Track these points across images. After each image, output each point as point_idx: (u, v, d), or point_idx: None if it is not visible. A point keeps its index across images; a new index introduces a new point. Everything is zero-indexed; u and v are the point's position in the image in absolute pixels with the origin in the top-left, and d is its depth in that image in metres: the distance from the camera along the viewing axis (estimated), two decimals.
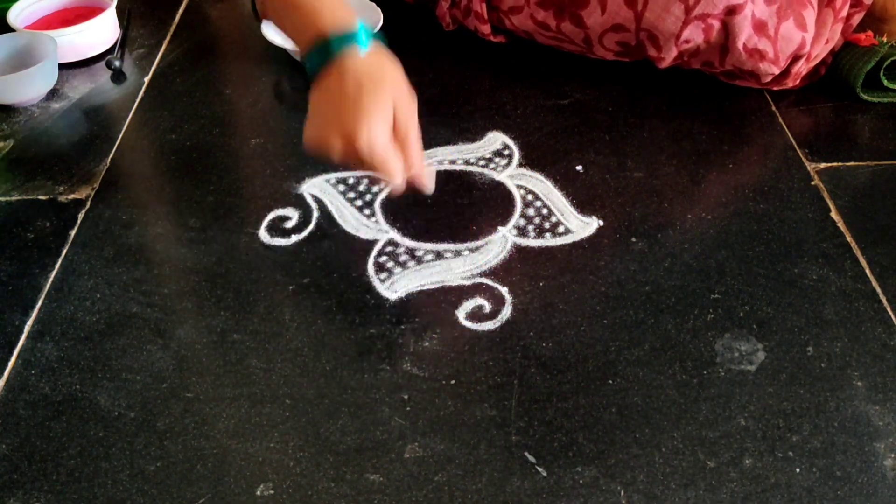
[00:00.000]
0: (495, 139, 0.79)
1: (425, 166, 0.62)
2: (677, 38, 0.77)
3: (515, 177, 0.74)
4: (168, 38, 0.98)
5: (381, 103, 0.58)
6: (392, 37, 0.93)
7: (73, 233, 0.70)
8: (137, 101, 0.87)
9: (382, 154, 0.58)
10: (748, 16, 0.74)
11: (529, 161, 0.76)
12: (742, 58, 0.77)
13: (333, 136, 0.58)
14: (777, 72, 0.78)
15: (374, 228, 0.69)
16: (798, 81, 0.83)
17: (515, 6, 0.85)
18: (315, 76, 0.61)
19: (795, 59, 0.78)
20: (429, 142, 0.78)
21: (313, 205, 0.72)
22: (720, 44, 0.77)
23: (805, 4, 0.76)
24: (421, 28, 0.94)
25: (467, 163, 0.76)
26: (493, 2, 0.87)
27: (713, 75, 0.85)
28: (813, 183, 0.73)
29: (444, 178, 0.75)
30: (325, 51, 0.60)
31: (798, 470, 0.52)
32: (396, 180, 0.59)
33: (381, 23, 0.90)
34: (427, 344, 0.60)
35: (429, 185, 0.63)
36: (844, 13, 0.79)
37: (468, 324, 0.61)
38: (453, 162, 0.76)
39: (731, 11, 0.74)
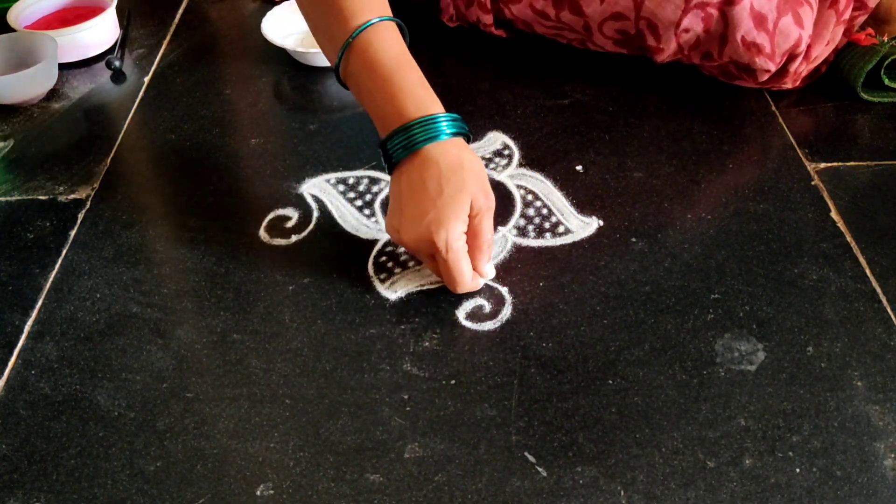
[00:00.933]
0: (495, 139, 0.79)
1: (492, 265, 0.64)
2: (677, 26, 0.77)
3: (515, 177, 0.74)
4: (168, 38, 0.98)
5: (461, 202, 0.58)
6: None
7: (73, 233, 0.70)
8: (137, 101, 0.87)
9: (456, 257, 0.59)
10: (747, 7, 0.74)
11: (529, 161, 0.76)
12: (739, 50, 0.77)
13: (412, 232, 0.59)
14: (773, 68, 0.78)
15: (374, 228, 0.69)
16: (799, 82, 0.83)
17: None
18: (397, 163, 0.61)
19: (792, 57, 0.78)
20: None
21: (313, 205, 0.72)
22: (719, 33, 0.77)
23: (801, 3, 0.76)
24: (421, 28, 0.94)
25: None
26: None
27: (712, 76, 0.85)
28: (813, 183, 0.73)
29: None
30: (407, 140, 0.59)
31: (798, 470, 0.52)
32: (462, 287, 0.61)
33: None
34: (427, 344, 0.60)
35: (488, 279, 0.63)
36: (847, 15, 0.79)
37: (468, 324, 0.61)
38: None
39: (730, 2, 0.74)
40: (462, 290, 0.61)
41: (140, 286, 0.65)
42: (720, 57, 0.79)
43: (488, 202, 0.60)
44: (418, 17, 0.96)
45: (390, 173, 0.63)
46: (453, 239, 0.58)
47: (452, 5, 0.91)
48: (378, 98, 0.62)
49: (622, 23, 0.81)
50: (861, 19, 0.81)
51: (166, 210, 0.72)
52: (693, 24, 0.77)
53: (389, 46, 0.63)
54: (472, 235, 0.60)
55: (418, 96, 0.61)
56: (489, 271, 0.63)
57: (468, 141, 0.63)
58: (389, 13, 0.65)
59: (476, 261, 0.61)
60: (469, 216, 0.59)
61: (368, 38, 0.62)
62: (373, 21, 0.63)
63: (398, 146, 0.60)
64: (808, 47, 0.78)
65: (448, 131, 0.60)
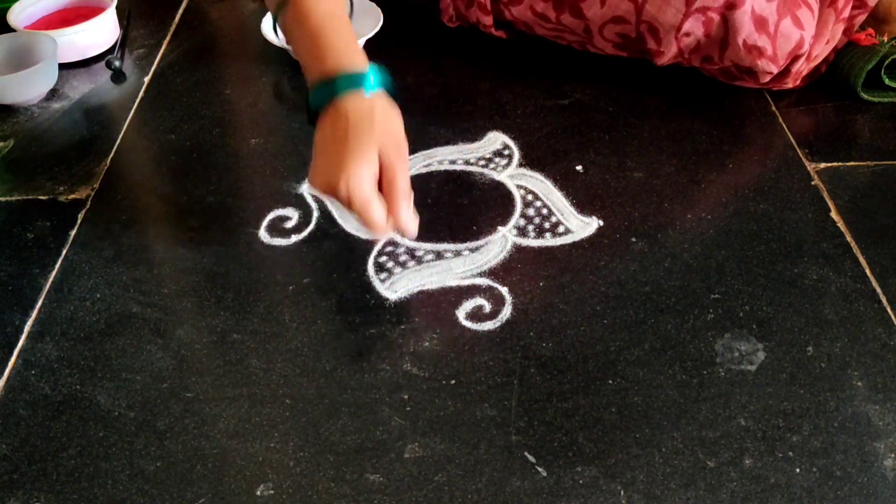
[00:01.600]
0: (495, 139, 0.79)
1: (410, 214, 0.60)
2: (678, 30, 0.77)
3: (515, 177, 0.74)
4: (168, 38, 0.98)
5: (363, 150, 0.57)
6: (392, 37, 0.93)
7: (73, 233, 0.70)
8: (137, 101, 0.87)
9: (362, 203, 0.57)
10: (748, 11, 0.74)
11: (529, 161, 0.76)
12: (741, 53, 0.77)
13: (320, 181, 0.59)
14: (775, 70, 0.78)
15: None
16: (799, 81, 0.83)
17: None
18: (317, 114, 0.61)
19: (795, 58, 0.78)
20: (429, 142, 0.79)
21: (313, 205, 0.72)
22: (720, 37, 0.77)
23: (799, 5, 0.76)
24: (421, 28, 0.94)
25: (467, 163, 0.76)
26: None
27: (713, 76, 0.85)
28: (813, 183, 0.73)
29: (444, 178, 0.75)
30: (329, 90, 0.60)
31: (798, 470, 0.52)
32: (377, 230, 0.59)
33: (381, 23, 0.90)
34: (427, 344, 0.60)
35: (412, 232, 0.61)
36: (846, 14, 0.79)
37: (468, 324, 0.61)
38: (453, 162, 0.76)
39: (731, 6, 0.74)
40: (379, 234, 0.61)
41: (140, 286, 0.65)
42: (721, 60, 0.79)
43: (399, 152, 0.59)
44: (418, 18, 0.96)
45: (312, 125, 0.62)
46: (354, 186, 0.57)
47: (452, 6, 0.91)
48: (307, 53, 0.63)
49: (623, 26, 0.81)
50: (861, 18, 0.81)
51: (166, 210, 0.72)
52: (694, 28, 0.77)
53: (322, 3, 0.64)
54: (386, 186, 0.59)
55: (343, 52, 0.61)
56: (409, 223, 0.60)
57: (395, 98, 0.63)
58: None
59: (392, 210, 0.59)
60: (381, 166, 0.58)
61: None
62: None
63: (319, 97, 0.60)
64: (810, 46, 0.78)
65: (373, 84, 0.60)
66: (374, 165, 0.58)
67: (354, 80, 0.60)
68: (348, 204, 0.58)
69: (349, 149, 0.57)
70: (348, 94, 0.59)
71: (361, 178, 0.57)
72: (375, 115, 0.59)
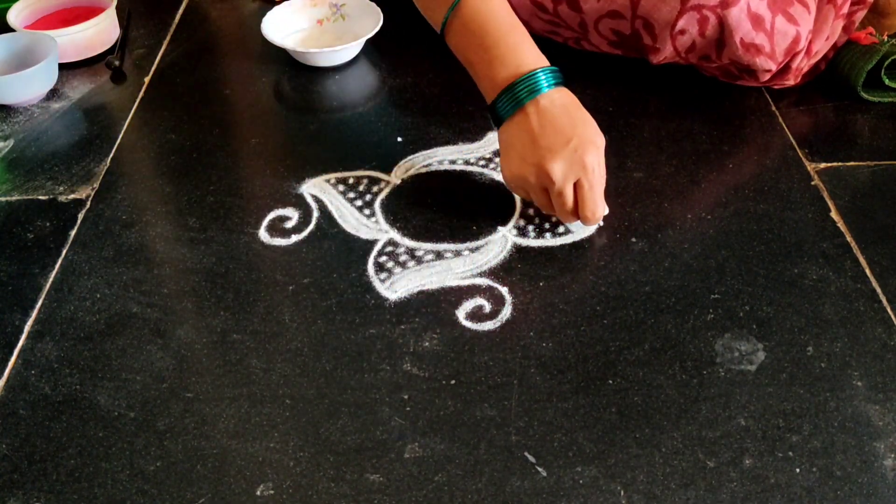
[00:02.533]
0: (495, 139, 0.79)
1: (603, 210, 0.66)
2: (672, 27, 0.77)
3: None
4: (168, 38, 0.98)
5: (596, 129, 0.64)
6: (392, 37, 0.93)
7: (73, 233, 0.70)
8: (137, 101, 0.87)
9: (602, 179, 0.64)
10: (744, 8, 0.74)
11: None
12: (739, 52, 0.77)
13: (550, 163, 0.62)
14: (774, 67, 0.78)
15: (374, 228, 0.69)
16: (800, 79, 0.83)
17: None
18: (505, 119, 0.65)
19: (794, 55, 0.78)
20: (429, 142, 0.79)
21: (313, 205, 0.72)
22: (716, 38, 0.77)
23: (791, 2, 0.76)
24: (421, 28, 0.94)
25: (467, 163, 0.76)
26: None
27: (713, 76, 0.85)
28: (813, 183, 0.73)
29: (444, 178, 0.75)
30: (512, 97, 0.64)
31: (798, 470, 0.52)
32: (600, 212, 0.65)
33: (381, 22, 0.90)
34: (427, 344, 0.60)
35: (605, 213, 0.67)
36: (846, 10, 0.79)
37: (468, 324, 0.61)
38: (453, 162, 0.76)
39: (726, 4, 0.74)
40: (598, 216, 0.65)
41: (140, 286, 0.65)
42: (719, 59, 0.79)
43: (603, 139, 0.65)
44: (418, 17, 0.95)
45: (498, 128, 0.67)
46: (599, 162, 0.63)
47: None
48: (479, 67, 0.67)
49: (618, 21, 0.81)
50: (860, 14, 0.81)
51: (166, 210, 0.72)
52: (689, 25, 0.77)
53: (490, 11, 0.67)
54: (597, 177, 0.64)
55: (516, 57, 0.65)
56: (606, 206, 0.67)
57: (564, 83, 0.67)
58: None
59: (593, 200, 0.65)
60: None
61: (467, 6, 0.67)
62: None
63: (505, 105, 0.65)
64: (809, 42, 0.78)
65: (547, 84, 0.64)
66: (601, 148, 0.64)
67: (538, 82, 0.64)
68: (590, 176, 0.63)
69: (583, 128, 0.63)
70: (536, 94, 0.64)
71: (601, 159, 0.63)
72: (578, 103, 0.65)
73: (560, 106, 0.64)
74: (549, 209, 0.66)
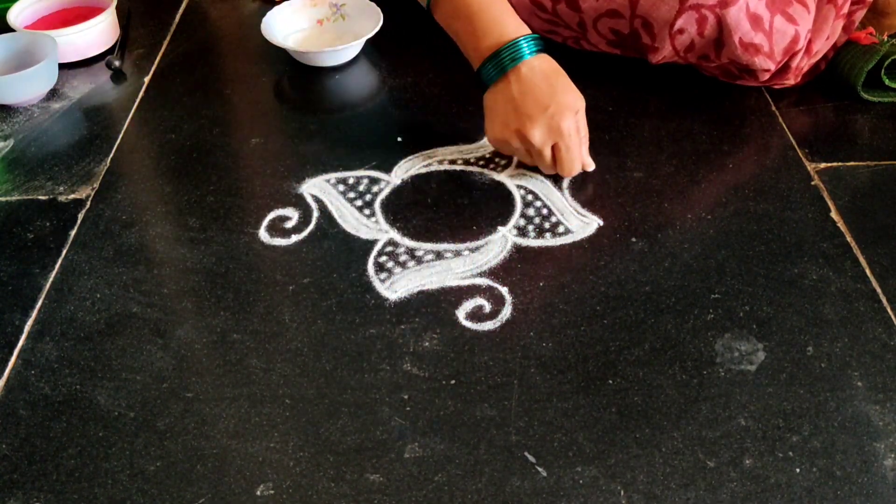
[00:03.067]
0: None
1: (590, 160, 0.73)
2: (671, 26, 0.77)
3: (515, 176, 0.74)
4: (168, 38, 0.98)
5: (575, 94, 0.69)
6: (392, 37, 0.93)
7: (73, 233, 0.70)
8: (137, 101, 0.87)
9: (580, 141, 0.70)
10: (743, 8, 0.74)
11: None
12: (738, 52, 0.77)
13: (531, 126, 0.68)
14: (773, 67, 0.78)
15: (374, 228, 0.69)
16: (800, 78, 0.83)
17: None
18: (490, 85, 0.70)
19: (793, 54, 0.78)
20: (429, 142, 0.79)
21: (313, 205, 0.72)
22: (715, 37, 0.77)
23: (790, 2, 0.76)
24: (421, 28, 0.94)
25: (467, 163, 0.76)
26: None
27: (713, 76, 0.85)
28: (813, 183, 0.73)
29: (444, 178, 0.75)
30: (497, 64, 0.69)
31: (798, 470, 0.52)
32: (576, 169, 0.71)
33: (381, 22, 0.90)
34: (427, 344, 0.60)
35: (591, 167, 0.74)
36: (846, 9, 0.79)
37: (468, 324, 0.61)
38: (453, 162, 0.76)
39: (725, 4, 0.74)
40: (574, 171, 0.72)
41: (140, 286, 0.65)
42: (718, 59, 0.79)
43: (582, 101, 0.70)
44: (418, 17, 0.96)
45: (483, 94, 0.72)
46: (574, 126, 0.69)
47: None
48: (464, 37, 0.72)
49: (617, 21, 0.81)
50: (860, 14, 0.81)
51: (166, 210, 0.72)
52: (687, 24, 0.77)
53: None
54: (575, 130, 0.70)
55: (498, 27, 0.70)
56: (591, 163, 0.73)
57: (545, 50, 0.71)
58: None
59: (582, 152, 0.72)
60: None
61: None
62: None
63: (491, 69, 0.69)
64: (809, 42, 0.78)
65: (534, 50, 0.69)
66: (577, 112, 0.69)
67: (521, 49, 0.68)
68: (567, 139, 0.69)
69: (562, 92, 0.68)
70: (518, 61, 0.68)
71: (575, 124, 0.69)
72: (558, 68, 0.70)
73: (540, 73, 0.68)
74: (532, 164, 0.73)
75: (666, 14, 0.77)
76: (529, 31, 0.70)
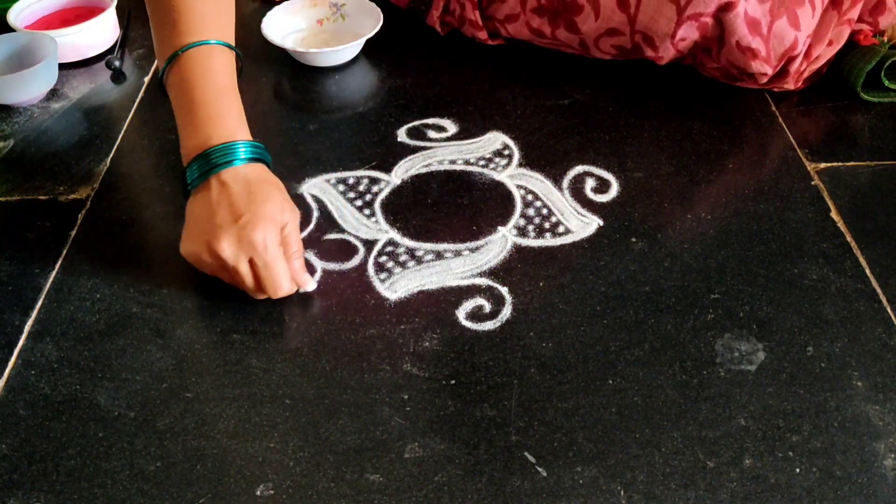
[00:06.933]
0: (495, 139, 0.79)
1: (304, 270, 0.63)
2: (672, 37, 0.77)
3: (515, 177, 0.74)
4: None
5: (273, 208, 0.60)
6: (392, 36, 0.93)
7: (73, 233, 0.70)
8: (137, 101, 0.87)
9: (274, 259, 0.59)
10: (741, 13, 0.74)
11: (529, 161, 0.76)
12: (735, 53, 0.77)
13: (223, 242, 0.59)
14: (770, 71, 0.78)
15: (374, 228, 0.69)
16: (801, 83, 0.83)
17: (511, 14, 0.85)
18: (193, 189, 0.62)
19: (790, 59, 0.78)
20: (429, 142, 0.79)
21: (313, 205, 0.72)
22: (716, 36, 0.77)
23: (801, 2, 0.76)
24: (421, 28, 0.94)
25: (467, 163, 0.76)
26: (488, 11, 0.87)
27: (714, 77, 0.85)
28: (813, 183, 0.73)
29: (444, 178, 0.75)
30: (205, 164, 0.61)
31: (798, 470, 0.52)
32: (283, 288, 0.61)
33: (381, 22, 0.90)
34: (427, 344, 0.60)
35: (311, 286, 0.63)
36: (850, 15, 0.79)
37: (468, 324, 0.61)
38: (453, 162, 0.76)
39: (724, 9, 0.74)
40: (281, 292, 0.61)
41: (140, 286, 0.65)
42: (718, 58, 0.79)
43: (294, 214, 0.62)
44: (418, 18, 0.95)
45: (186, 199, 0.63)
46: (272, 239, 0.59)
47: (440, 23, 0.91)
48: (181, 129, 0.64)
49: (618, 38, 0.81)
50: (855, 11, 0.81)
51: (166, 210, 0.72)
52: (688, 33, 0.77)
53: (207, 72, 0.64)
54: (283, 246, 0.61)
55: (211, 126, 0.62)
56: (308, 281, 0.63)
57: (269, 167, 0.65)
58: (227, 37, 0.66)
59: (293, 265, 0.62)
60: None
61: (192, 59, 0.63)
62: (202, 42, 0.64)
63: (195, 171, 0.61)
64: (809, 47, 0.78)
65: (244, 157, 0.61)
66: (280, 227, 0.60)
67: (235, 153, 0.61)
68: (262, 258, 0.59)
69: (259, 205, 0.59)
70: (228, 166, 0.61)
71: (276, 234, 0.60)
72: (269, 178, 0.63)
73: (243, 181, 0.60)
74: (235, 285, 0.62)
75: (665, 27, 0.77)
76: (249, 137, 0.63)
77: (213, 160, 0.61)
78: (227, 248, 0.59)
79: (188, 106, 0.63)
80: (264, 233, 0.59)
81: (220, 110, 0.63)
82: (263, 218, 0.59)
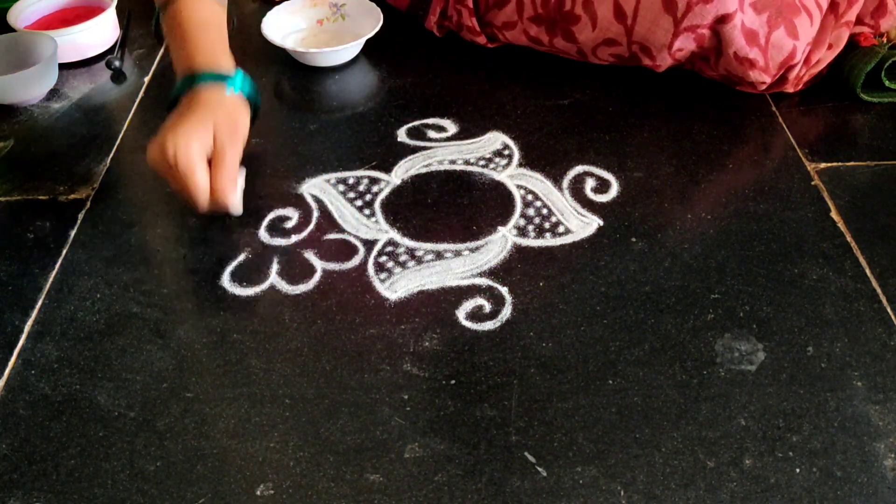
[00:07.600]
0: (495, 139, 0.79)
1: (235, 194, 0.65)
2: (669, 48, 0.77)
3: (515, 177, 0.74)
4: None
5: (199, 122, 0.63)
6: (392, 36, 0.93)
7: (73, 233, 0.70)
8: (137, 101, 0.87)
9: (186, 166, 0.62)
10: (738, 25, 0.74)
11: (529, 161, 0.76)
12: (733, 63, 0.77)
13: (153, 148, 0.63)
14: (768, 80, 0.78)
15: (374, 228, 0.69)
16: (801, 86, 0.83)
17: (508, 22, 0.85)
18: (176, 102, 0.66)
19: (790, 67, 0.78)
20: (429, 142, 0.79)
21: (313, 205, 0.72)
22: (713, 46, 0.77)
23: (798, 11, 0.76)
24: (421, 28, 0.94)
25: (467, 163, 0.76)
26: (486, 18, 0.87)
27: (714, 80, 0.84)
28: (813, 183, 0.73)
29: (444, 178, 0.75)
30: (191, 81, 0.66)
31: (798, 470, 0.52)
32: (198, 197, 0.63)
33: (381, 22, 0.90)
34: (427, 344, 0.60)
35: (235, 209, 0.66)
36: (849, 17, 0.79)
37: (468, 324, 0.61)
38: (453, 162, 0.76)
39: (721, 21, 0.74)
40: (201, 205, 0.64)
41: (140, 286, 0.65)
42: (716, 66, 0.80)
43: (233, 136, 0.64)
44: (414, 18, 0.95)
45: (169, 112, 0.67)
46: (181, 151, 0.62)
47: (437, 28, 0.91)
48: (179, 50, 0.70)
49: (615, 48, 0.81)
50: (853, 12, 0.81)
51: (166, 210, 0.72)
52: (685, 44, 0.77)
53: (199, 10, 0.71)
54: (215, 161, 0.64)
55: (212, 54, 0.69)
56: (231, 197, 0.65)
57: (255, 108, 0.70)
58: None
59: (216, 182, 0.63)
60: (214, 145, 0.63)
61: (185, 3, 0.71)
62: None
63: (182, 87, 0.67)
64: (809, 53, 0.78)
65: (231, 84, 0.67)
66: (206, 139, 0.63)
67: (217, 78, 0.66)
68: (174, 168, 0.62)
69: (186, 120, 0.63)
70: (207, 85, 0.65)
71: (190, 145, 0.62)
72: (224, 103, 0.65)
73: (205, 98, 0.65)
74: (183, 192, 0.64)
75: (662, 38, 0.77)
76: (231, 65, 0.69)
77: (194, 82, 0.66)
78: (150, 151, 0.63)
79: (177, 38, 0.70)
80: (176, 141, 0.62)
81: (201, 43, 0.69)
82: (183, 128, 0.62)
